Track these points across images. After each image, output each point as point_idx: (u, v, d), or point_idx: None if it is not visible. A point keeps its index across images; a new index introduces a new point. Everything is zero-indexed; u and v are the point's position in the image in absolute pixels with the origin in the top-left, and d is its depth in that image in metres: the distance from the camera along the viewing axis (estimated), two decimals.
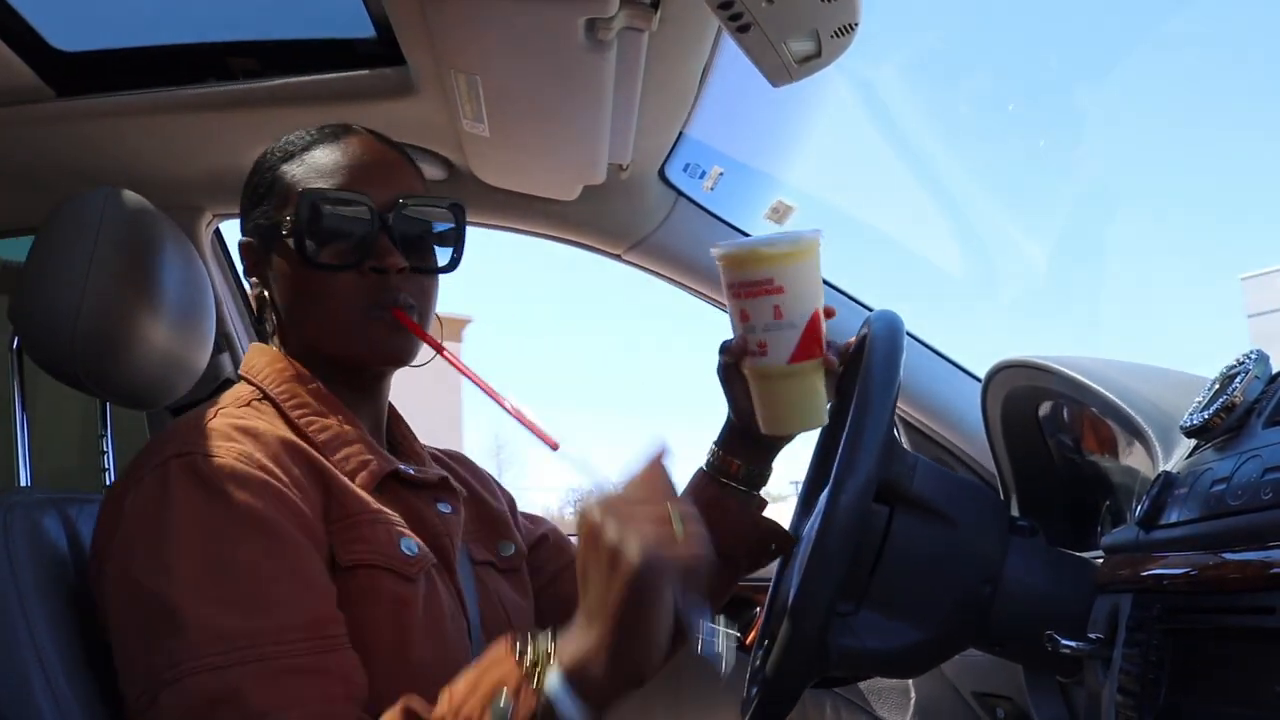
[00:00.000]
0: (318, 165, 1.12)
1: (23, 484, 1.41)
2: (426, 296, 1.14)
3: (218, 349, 1.75)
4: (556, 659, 0.83)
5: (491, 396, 1.03)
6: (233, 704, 0.86)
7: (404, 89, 1.50)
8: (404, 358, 1.13)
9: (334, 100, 1.54)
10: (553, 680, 0.82)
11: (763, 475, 1.24)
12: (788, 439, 1.22)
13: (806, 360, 1.09)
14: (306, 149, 1.14)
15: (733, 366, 1.15)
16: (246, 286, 1.28)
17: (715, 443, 1.25)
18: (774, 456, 1.26)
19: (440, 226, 1.16)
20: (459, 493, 1.19)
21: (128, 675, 0.92)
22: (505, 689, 0.82)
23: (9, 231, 1.79)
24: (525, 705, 0.82)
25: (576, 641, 0.84)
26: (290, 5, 1.58)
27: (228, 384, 1.73)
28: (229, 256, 1.96)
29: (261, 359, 1.13)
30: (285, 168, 1.13)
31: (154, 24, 1.58)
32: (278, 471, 0.98)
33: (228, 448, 0.97)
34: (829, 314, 1.13)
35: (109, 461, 1.55)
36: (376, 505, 1.05)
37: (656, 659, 0.83)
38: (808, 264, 1.08)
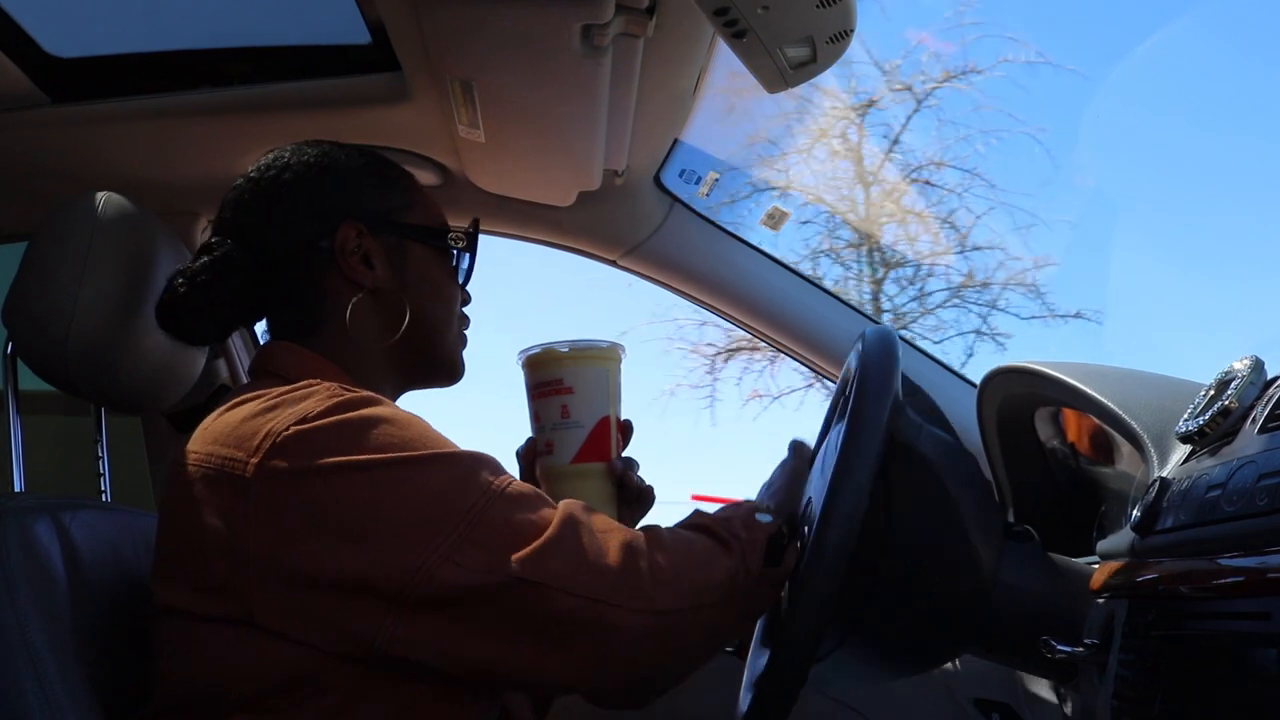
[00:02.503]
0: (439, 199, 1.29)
1: (17, 489, 1.41)
2: None
3: (213, 354, 1.75)
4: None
5: None
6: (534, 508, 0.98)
7: (399, 95, 1.50)
8: (462, 375, 1.25)
9: (329, 106, 1.54)
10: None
11: None
12: None
13: (590, 462, 1.15)
14: (410, 175, 1.25)
15: (528, 472, 1.23)
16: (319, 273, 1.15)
17: None
18: None
19: None
20: None
21: (378, 583, 0.92)
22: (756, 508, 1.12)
23: (4, 238, 1.79)
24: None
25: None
26: (286, 11, 1.57)
27: (224, 389, 1.73)
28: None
29: (292, 357, 1.12)
30: (414, 180, 1.24)
31: (149, 29, 1.58)
32: None
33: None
34: (624, 429, 1.22)
35: (104, 467, 1.55)
36: None
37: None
38: (600, 369, 1.16)
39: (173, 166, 1.69)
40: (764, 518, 1.11)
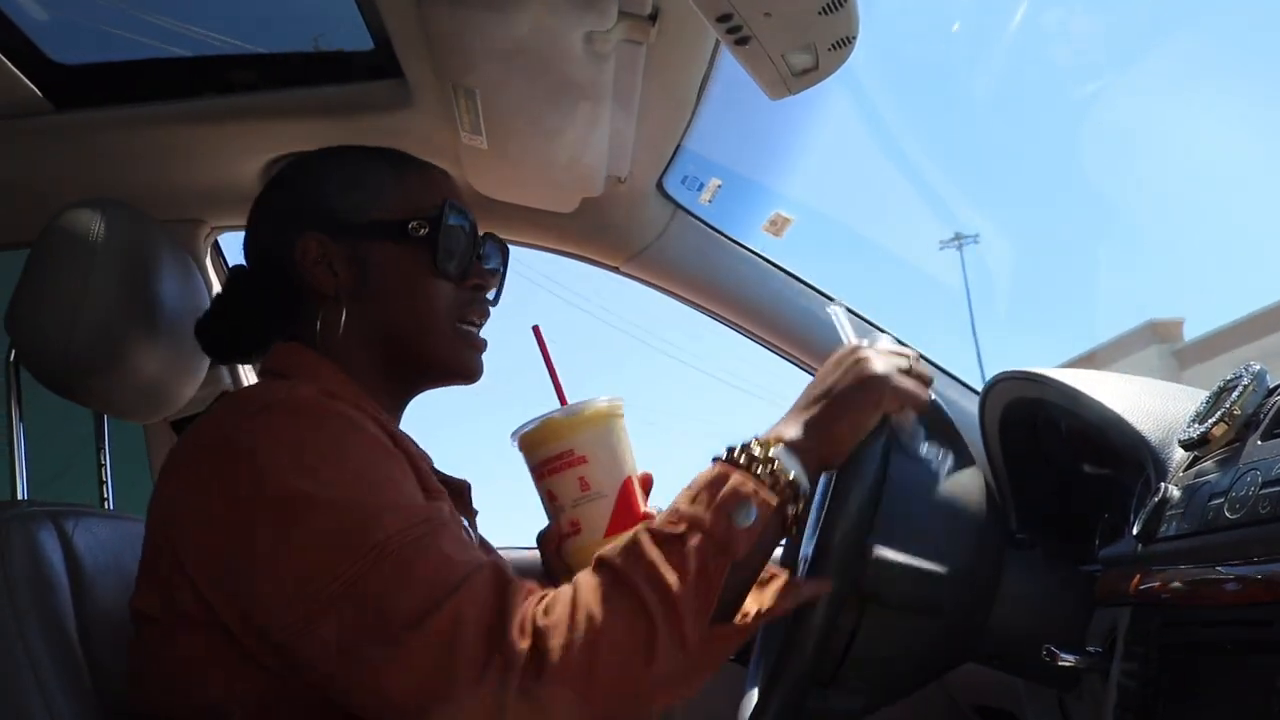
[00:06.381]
0: (427, 180, 1.20)
1: (21, 497, 1.40)
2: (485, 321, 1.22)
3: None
4: (779, 440, 0.91)
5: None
6: (443, 565, 0.87)
7: (402, 101, 1.50)
8: (475, 375, 1.18)
9: (333, 113, 1.54)
10: (780, 453, 0.90)
11: None
12: None
13: (624, 532, 0.95)
14: (397, 161, 1.20)
15: (555, 559, 1.16)
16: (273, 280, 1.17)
17: None
18: None
19: (495, 264, 1.24)
20: (473, 508, 1.21)
21: (284, 594, 0.86)
22: (745, 497, 0.87)
23: (7, 245, 1.79)
24: (764, 508, 0.87)
25: (792, 423, 0.93)
26: (289, 18, 1.58)
27: (226, 395, 1.72)
28: (229, 269, 1.95)
29: (293, 358, 1.11)
30: (388, 171, 1.17)
31: (153, 37, 1.58)
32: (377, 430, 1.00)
33: (330, 404, 0.98)
34: (645, 482, 1.12)
35: (107, 474, 1.55)
36: (439, 485, 1.06)
37: (850, 446, 0.94)
38: (608, 429, 1.06)
39: (176, 174, 1.69)
40: (746, 517, 0.86)
